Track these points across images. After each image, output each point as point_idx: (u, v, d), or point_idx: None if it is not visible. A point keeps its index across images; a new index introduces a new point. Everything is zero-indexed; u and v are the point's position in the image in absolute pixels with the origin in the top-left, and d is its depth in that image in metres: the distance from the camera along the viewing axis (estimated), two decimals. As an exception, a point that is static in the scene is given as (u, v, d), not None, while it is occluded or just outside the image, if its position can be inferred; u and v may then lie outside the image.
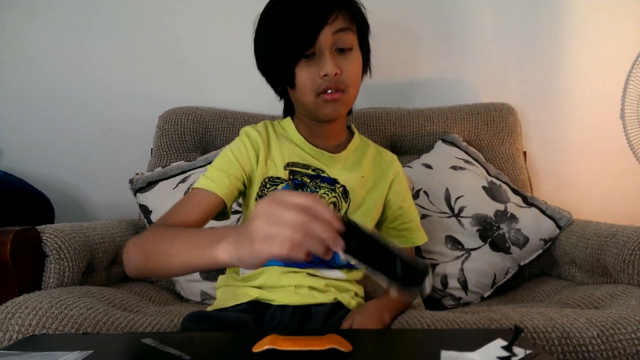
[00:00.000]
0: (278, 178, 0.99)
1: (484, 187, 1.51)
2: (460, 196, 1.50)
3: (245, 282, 1.00)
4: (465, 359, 0.58)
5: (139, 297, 1.23)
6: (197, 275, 1.42)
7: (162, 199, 1.49)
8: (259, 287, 0.98)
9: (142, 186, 1.53)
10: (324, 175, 1.01)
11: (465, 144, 1.65)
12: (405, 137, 1.70)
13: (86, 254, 1.19)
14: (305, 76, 0.90)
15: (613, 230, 1.23)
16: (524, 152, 1.79)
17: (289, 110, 1.08)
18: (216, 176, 0.93)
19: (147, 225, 1.51)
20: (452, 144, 1.63)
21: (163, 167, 1.58)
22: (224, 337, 0.69)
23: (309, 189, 0.99)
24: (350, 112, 1.07)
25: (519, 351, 0.60)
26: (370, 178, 1.06)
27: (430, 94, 1.87)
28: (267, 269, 0.98)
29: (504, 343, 0.63)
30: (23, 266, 1.05)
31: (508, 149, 1.71)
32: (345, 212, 1.02)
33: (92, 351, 0.58)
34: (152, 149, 1.74)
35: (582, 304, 1.11)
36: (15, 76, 1.88)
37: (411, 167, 1.58)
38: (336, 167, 1.03)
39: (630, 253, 1.13)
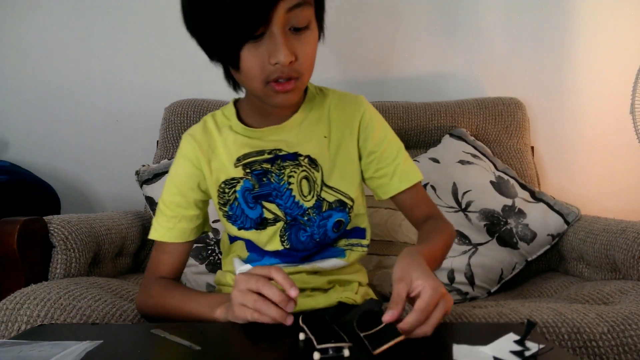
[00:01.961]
0: (232, 179, 0.90)
1: (491, 182, 1.50)
2: (468, 191, 1.49)
3: None
4: (478, 353, 0.57)
5: (146, 288, 1.23)
6: (202, 268, 1.42)
7: (169, 191, 1.49)
8: None
9: (149, 178, 1.52)
10: (282, 153, 0.89)
11: (472, 138, 1.64)
12: (412, 131, 1.69)
13: (93, 245, 1.19)
14: (252, 61, 0.75)
15: (622, 226, 1.22)
16: (532, 147, 1.78)
17: (230, 76, 0.90)
18: (165, 224, 0.92)
19: (153, 216, 1.51)
20: (460, 138, 1.62)
21: (169, 159, 1.58)
22: (233, 328, 0.68)
23: (273, 174, 0.89)
24: None
25: (532, 345, 0.59)
26: (335, 135, 0.93)
27: (438, 88, 1.86)
28: None
29: (516, 337, 0.63)
30: (30, 256, 1.04)
31: (516, 144, 1.70)
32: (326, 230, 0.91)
33: (102, 341, 0.58)
34: (158, 141, 1.73)
35: (591, 299, 1.10)
36: (21, 69, 1.88)
37: (418, 162, 1.57)
38: (291, 136, 0.90)
39: (640, 249, 1.12)
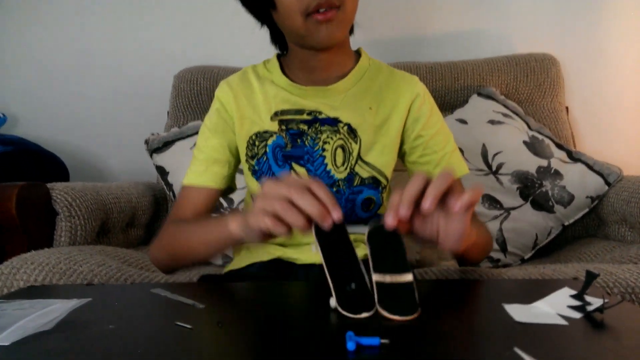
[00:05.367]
0: (266, 132, 0.84)
1: (524, 142, 1.39)
2: (499, 152, 1.38)
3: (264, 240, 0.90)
4: (536, 311, 0.48)
5: (157, 258, 1.17)
6: (217, 238, 1.35)
7: (179, 159, 1.42)
8: (280, 245, 0.87)
9: (158, 147, 1.45)
10: (322, 117, 0.84)
11: (502, 97, 1.52)
12: (437, 92, 1.58)
13: (99, 212, 1.12)
14: None
15: (674, 183, 1.11)
16: (566, 108, 1.65)
17: (276, 39, 0.92)
18: (196, 168, 0.86)
19: (165, 187, 1.44)
20: (489, 97, 1.51)
21: (179, 127, 1.51)
22: (241, 287, 0.61)
23: (309, 137, 0.84)
24: (351, 31, 0.91)
25: (594, 300, 0.50)
26: (382, 108, 0.86)
27: (464, 46, 1.73)
28: None
29: (573, 292, 0.54)
30: (32, 224, 0.98)
31: (550, 103, 1.58)
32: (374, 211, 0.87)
33: (90, 299, 0.50)
34: (168, 111, 1.66)
35: (640, 261, 1.00)
36: (28, 43, 1.82)
37: (444, 123, 1.47)
38: (335, 101, 0.85)
39: (697, 205, 1.01)
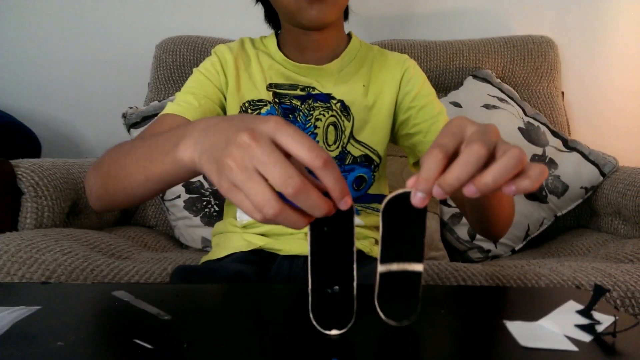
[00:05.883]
0: (260, 100, 0.83)
1: (520, 129, 1.34)
2: (493, 138, 1.33)
3: (246, 229, 0.85)
4: (540, 330, 0.43)
5: (132, 242, 1.10)
6: (197, 220, 1.29)
7: (159, 136, 1.34)
8: (262, 235, 0.83)
9: (137, 121, 1.37)
10: (315, 92, 0.84)
11: (498, 80, 1.47)
12: (431, 73, 1.51)
13: (70, 192, 1.05)
14: None
15: (673, 177, 1.07)
16: (562, 93, 1.60)
17: (270, 16, 0.91)
18: (184, 99, 0.79)
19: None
20: (484, 80, 1.45)
21: (160, 101, 1.42)
22: (216, 290, 0.55)
23: (301, 113, 0.83)
24: (346, 16, 0.91)
25: (603, 318, 0.45)
26: (373, 87, 0.86)
27: (459, 26, 1.66)
28: None
29: (578, 306, 0.49)
30: (-6, 204, 0.91)
31: (546, 88, 1.52)
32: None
33: (40, 307, 0.44)
34: (149, 82, 1.57)
35: (636, 259, 0.96)
36: (2, 12, 1.70)
37: (437, 105, 1.41)
38: (329, 81, 0.85)
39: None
